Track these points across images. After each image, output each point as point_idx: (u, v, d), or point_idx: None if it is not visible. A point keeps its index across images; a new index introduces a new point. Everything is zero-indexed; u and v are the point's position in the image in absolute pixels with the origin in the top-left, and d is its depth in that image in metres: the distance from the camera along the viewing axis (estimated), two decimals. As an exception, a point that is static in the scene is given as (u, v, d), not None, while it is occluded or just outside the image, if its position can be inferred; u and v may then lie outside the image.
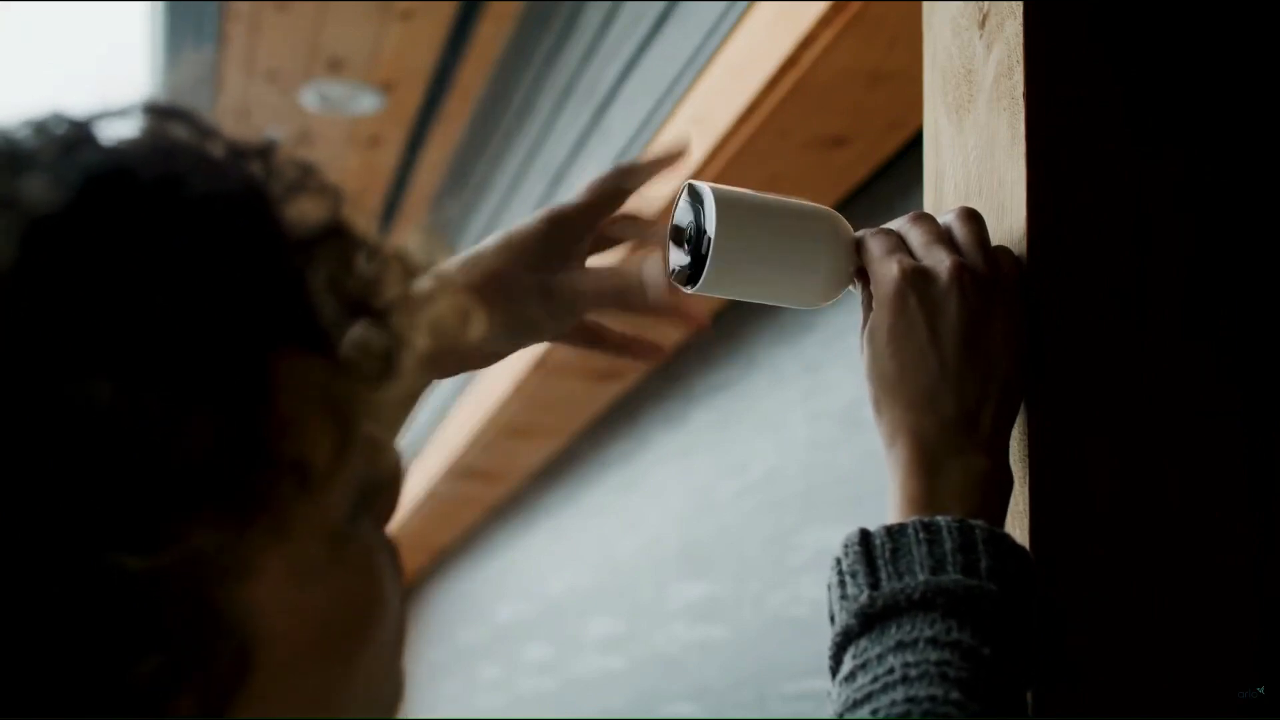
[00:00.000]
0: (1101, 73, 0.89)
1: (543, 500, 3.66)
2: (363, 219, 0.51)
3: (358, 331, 0.49)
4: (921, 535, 0.74)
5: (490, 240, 0.90)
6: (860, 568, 0.75)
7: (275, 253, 0.48)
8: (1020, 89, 0.87)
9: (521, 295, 0.89)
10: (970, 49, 0.94)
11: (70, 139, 0.49)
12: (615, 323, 0.96)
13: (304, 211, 0.50)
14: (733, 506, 2.35)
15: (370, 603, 0.52)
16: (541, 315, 0.90)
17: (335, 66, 3.33)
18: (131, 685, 0.45)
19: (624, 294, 0.90)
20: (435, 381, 0.92)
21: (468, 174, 3.71)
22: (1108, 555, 0.85)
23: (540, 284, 0.90)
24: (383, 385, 0.50)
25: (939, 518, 0.75)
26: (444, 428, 3.88)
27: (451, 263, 0.89)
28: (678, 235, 0.89)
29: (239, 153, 0.50)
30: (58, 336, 0.45)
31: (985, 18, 0.92)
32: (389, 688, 0.56)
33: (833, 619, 0.76)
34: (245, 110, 3.58)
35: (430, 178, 4.01)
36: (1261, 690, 0.85)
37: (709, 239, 0.86)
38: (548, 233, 0.90)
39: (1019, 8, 0.88)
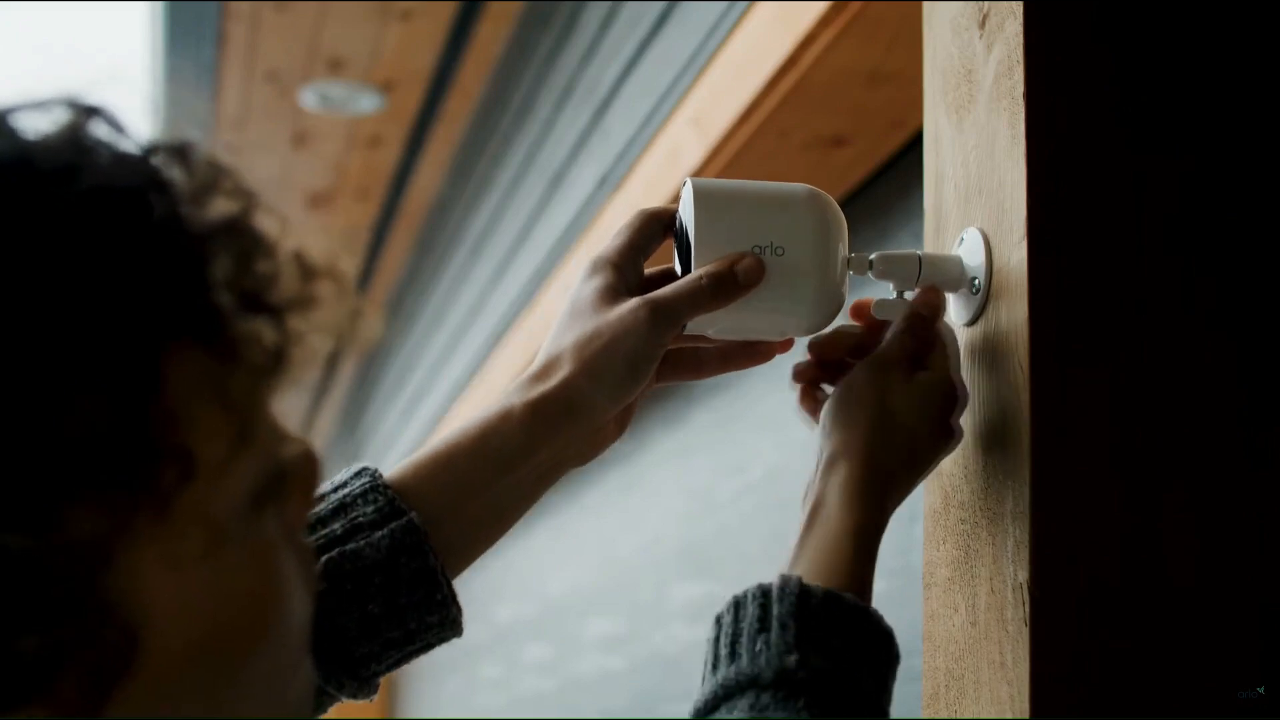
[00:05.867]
0: (1101, 73, 0.89)
1: (543, 500, 3.65)
2: (271, 219, 0.52)
3: (250, 326, 0.50)
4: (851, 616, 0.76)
5: (581, 273, 0.88)
6: (791, 623, 0.75)
7: (169, 245, 0.49)
8: (1020, 89, 0.87)
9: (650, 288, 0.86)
10: (970, 49, 0.94)
11: None
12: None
13: (211, 209, 0.50)
14: (733, 506, 2.35)
15: (264, 600, 0.52)
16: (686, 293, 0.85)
17: (335, 66, 3.33)
18: (10, 664, 0.45)
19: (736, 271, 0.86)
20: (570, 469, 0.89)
21: (468, 174, 3.71)
22: (1108, 555, 0.85)
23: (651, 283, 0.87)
24: (276, 380, 0.51)
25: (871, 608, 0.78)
26: (444, 428, 3.88)
27: (562, 324, 0.86)
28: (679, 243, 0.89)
29: (151, 150, 0.51)
30: None
31: (985, 18, 0.92)
32: (293, 691, 0.56)
33: (736, 643, 0.76)
34: (245, 110, 3.58)
35: (430, 178, 4.01)
36: (1261, 690, 0.85)
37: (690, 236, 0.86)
38: (637, 226, 0.88)
39: (1019, 8, 0.88)
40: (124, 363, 0.47)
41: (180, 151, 0.51)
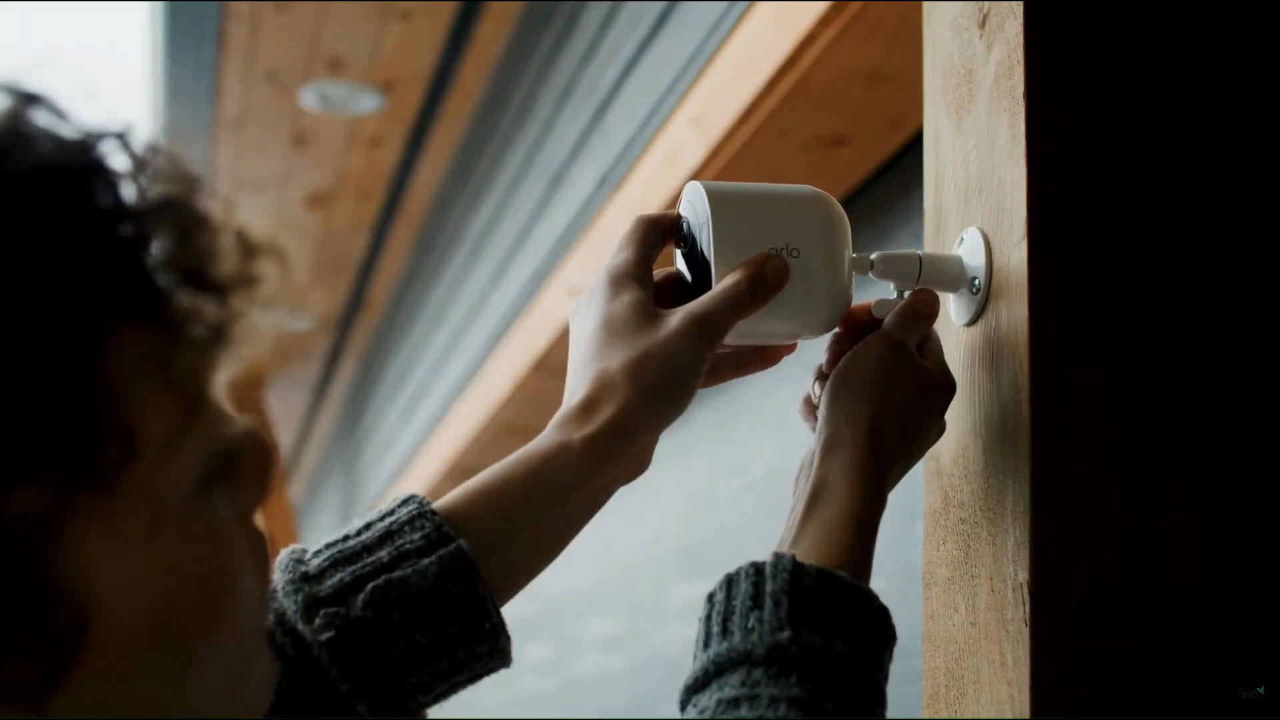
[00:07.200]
0: (1101, 73, 0.89)
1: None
2: (211, 200, 0.52)
3: (192, 303, 0.50)
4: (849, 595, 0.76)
5: (596, 285, 0.86)
6: (784, 599, 0.75)
7: (107, 224, 0.49)
8: (1020, 89, 0.87)
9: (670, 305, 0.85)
10: (970, 49, 0.94)
11: None
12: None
13: (152, 190, 0.50)
14: (733, 506, 2.35)
15: (216, 583, 0.52)
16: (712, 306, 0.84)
17: (335, 66, 3.33)
18: None
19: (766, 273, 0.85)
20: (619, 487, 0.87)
21: (468, 174, 3.71)
22: (1108, 555, 0.85)
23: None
24: (219, 356, 0.51)
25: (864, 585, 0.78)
26: (444, 428, 3.87)
27: (597, 346, 0.85)
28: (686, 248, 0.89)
29: (92, 135, 0.51)
30: None
31: (985, 18, 0.92)
32: (252, 682, 0.55)
33: (728, 620, 0.76)
34: (245, 110, 3.58)
35: (430, 178, 4.01)
36: (1261, 690, 0.85)
37: (706, 246, 0.86)
38: (643, 235, 0.87)
39: (1019, 8, 0.88)
40: (63, 341, 0.47)
41: (121, 136, 0.51)
